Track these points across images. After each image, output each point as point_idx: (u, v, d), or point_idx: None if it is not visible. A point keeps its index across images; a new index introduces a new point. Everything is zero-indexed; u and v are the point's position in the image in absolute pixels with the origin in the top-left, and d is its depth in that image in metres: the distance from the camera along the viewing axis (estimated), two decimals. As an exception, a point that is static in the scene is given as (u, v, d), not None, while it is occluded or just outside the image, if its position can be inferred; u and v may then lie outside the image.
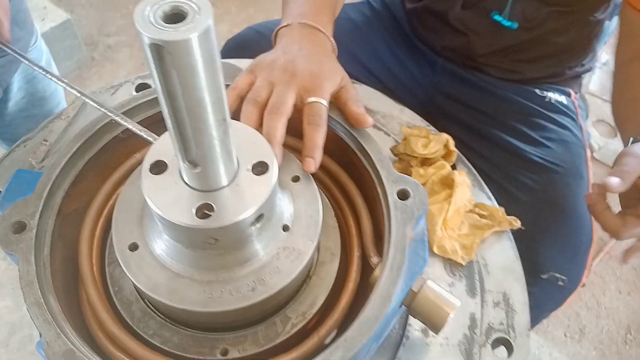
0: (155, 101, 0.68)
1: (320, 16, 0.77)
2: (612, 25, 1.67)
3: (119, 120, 0.61)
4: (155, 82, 0.40)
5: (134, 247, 0.55)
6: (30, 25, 1.07)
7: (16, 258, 0.54)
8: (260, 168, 0.51)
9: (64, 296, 0.56)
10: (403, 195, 0.59)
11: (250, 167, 0.51)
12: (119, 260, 0.54)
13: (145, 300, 0.59)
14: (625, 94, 0.93)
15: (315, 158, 0.61)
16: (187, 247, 0.52)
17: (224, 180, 0.49)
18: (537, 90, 1.09)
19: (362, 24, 1.18)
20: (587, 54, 1.11)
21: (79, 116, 0.82)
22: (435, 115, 1.05)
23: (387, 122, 0.84)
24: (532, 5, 0.99)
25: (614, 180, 0.68)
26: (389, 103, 0.87)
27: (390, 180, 0.60)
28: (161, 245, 0.54)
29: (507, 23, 1.01)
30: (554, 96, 1.09)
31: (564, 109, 1.07)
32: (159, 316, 0.58)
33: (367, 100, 0.87)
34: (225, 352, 0.56)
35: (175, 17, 0.36)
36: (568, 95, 1.11)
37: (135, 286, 0.58)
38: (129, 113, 0.66)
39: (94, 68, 2.36)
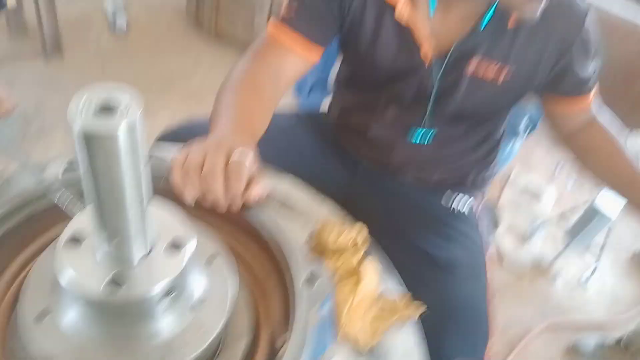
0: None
1: (239, 135, 0.87)
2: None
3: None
4: (81, 167, 0.45)
5: (41, 316, 0.56)
6: None
7: None
8: (175, 247, 0.56)
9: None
10: (310, 279, 0.64)
11: (165, 245, 0.55)
12: (21, 331, 0.55)
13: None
14: (593, 155, 1.18)
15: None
16: (96, 318, 0.54)
17: (136, 256, 0.53)
18: (442, 202, 1.22)
19: (289, 127, 1.29)
20: (492, 161, 1.28)
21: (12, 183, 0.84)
22: (354, 212, 1.14)
23: (307, 215, 0.91)
24: (445, 122, 1.14)
25: None
26: (310, 195, 0.94)
27: (299, 265, 0.65)
28: (68, 313, 0.55)
29: (420, 141, 1.16)
30: (457, 206, 1.22)
31: (466, 218, 1.20)
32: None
33: (291, 189, 0.94)
34: None
35: (107, 109, 0.42)
36: (472, 202, 1.24)
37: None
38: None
39: (27, 147, 2.35)
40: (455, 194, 1.23)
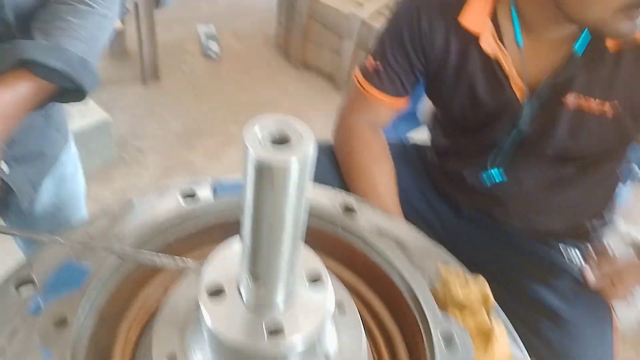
0: (200, 218, 0.69)
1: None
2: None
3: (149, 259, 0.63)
4: (246, 196, 0.41)
5: (172, 358, 0.53)
6: (65, 129, 1.10)
7: (47, 354, 0.52)
8: (317, 281, 0.52)
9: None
10: (448, 340, 0.58)
11: (305, 285, 0.51)
12: (156, 371, 0.52)
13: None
14: None
15: None
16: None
17: (283, 301, 0.49)
18: (560, 247, 1.11)
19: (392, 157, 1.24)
20: (605, 206, 1.15)
21: (124, 216, 0.83)
22: (460, 259, 1.06)
23: (423, 261, 0.85)
24: (549, 165, 1.05)
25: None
26: (425, 241, 0.88)
27: (435, 322, 0.59)
28: (200, 359, 0.52)
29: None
30: (575, 259, 1.11)
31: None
32: None
33: (404, 236, 0.88)
34: None
35: (281, 139, 0.39)
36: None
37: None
38: (176, 225, 0.67)
39: (122, 168, 2.43)
40: (574, 243, 1.12)
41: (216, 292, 0.49)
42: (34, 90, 0.76)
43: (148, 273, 0.66)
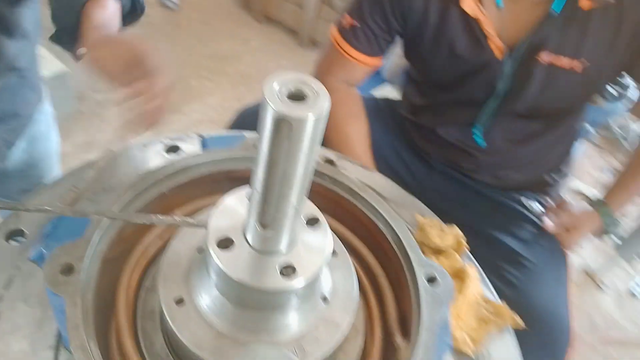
0: (193, 168, 0.71)
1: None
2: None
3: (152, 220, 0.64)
4: (262, 147, 0.44)
5: (180, 301, 0.56)
6: (39, 87, 1.08)
7: (57, 300, 0.54)
8: (316, 225, 0.55)
9: (96, 342, 0.55)
10: (431, 280, 0.63)
11: (306, 225, 0.55)
12: (165, 314, 0.55)
13: (177, 357, 0.59)
14: None
15: None
16: (236, 306, 0.54)
17: (285, 245, 0.52)
18: (523, 200, 1.19)
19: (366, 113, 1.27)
20: (563, 160, 1.24)
21: (111, 168, 0.84)
22: (431, 209, 1.13)
23: (400, 211, 0.90)
24: (520, 119, 1.11)
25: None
26: (401, 193, 0.93)
27: (419, 265, 0.64)
28: (208, 302, 0.56)
29: (481, 143, 1.13)
30: (537, 207, 1.19)
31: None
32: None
33: (381, 187, 0.93)
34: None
35: (298, 96, 0.42)
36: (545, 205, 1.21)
37: (171, 341, 0.58)
38: (171, 176, 0.69)
39: (81, 122, 2.37)
40: (534, 195, 1.20)
41: (225, 242, 0.52)
42: (116, 10, 0.85)
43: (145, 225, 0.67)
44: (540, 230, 1.13)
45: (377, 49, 1.14)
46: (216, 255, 0.51)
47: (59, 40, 0.86)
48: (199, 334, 0.54)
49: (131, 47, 0.73)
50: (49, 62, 2.23)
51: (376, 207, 0.70)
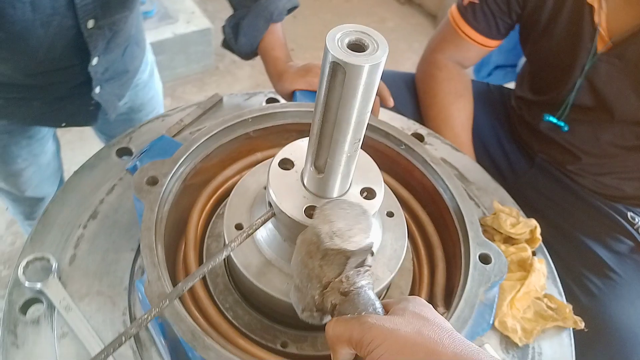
0: (279, 114, 0.76)
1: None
2: None
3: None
4: (320, 93, 0.47)
5: (239, 227, 0.62)
6: (143, 40, 1.18)
7: (140, 206, 0.62)
8: (368, 193, 0.58)
9: (165, 251, 0.63)
10: (485, 259, 0.63)
11: (359, 190, 0.57)
12: (224, 235, 0.61)
13: (230, 277, 0.66)
14: None
15: None
16: (285, 239, 0.59)
17: (336, 191, 0.56)
18: (629, 214, 1.10)
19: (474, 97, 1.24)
20: None
21: (214, 109, 0.93)
22: (521, 204, 1.09)
23: (481, 195, 0.88)
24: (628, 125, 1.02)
25: None
26: (486, 178, 0.92)
27: (476, 242, 0.64)
28: (262, 232, 0.61)
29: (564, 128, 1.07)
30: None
31: None
32: (237, 294, 0.64)
33: (466, 170, 0.92)
34: (284, 345, 0.61)
35: (358, 46, 0.44)
36: None
37: (227, 261, 0.65)
38: (258, 119, 0.75)
39: (215, 77, 2.56)
40: (637, 209, 1.10)
41: (285, 164, 0.57)
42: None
43: (229, 158, 0.74)
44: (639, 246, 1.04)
45: (495, 31, 1.11)
46: (272, 180, 0.56)
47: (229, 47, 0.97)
48: (249, 258, 0.59)
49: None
50: (198, 17, 2.43)
51: (445, 181, 0.71)
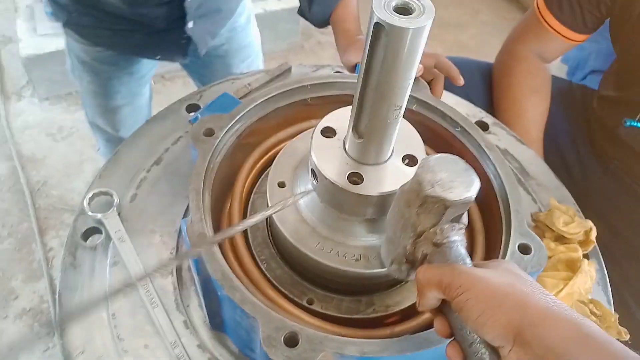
0: (338, 84, 0.77)
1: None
2: None
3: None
4: (363, 56, 0.48)
5: (282, 185, 0.64)
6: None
7: (196, 154, 0.66)
8: (409, 161, 0.58)
9: (212, 200, 0.67)
10: (524, 249, 0.61)
11: (401, 157, 0.58)
12: (267, 192, 0.64)
13: (269, 232, 0.68)
14: None
15: None
16: (323, 202, 0.60)
17: (377, 157, 0.56)
18: None
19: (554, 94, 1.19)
20: None
21: (282, 76, 0.96)
22: (587, 209, 1.04)
23: (540, 191, 0.85)
24: None
25: None
26: (549, 176, 0.88)
27: (518, 232, 0.62)
28: (302, 190, 0.63)
29: None
30: None
31: None
32: (273, 248, 0.67)
33: (528, 163, 0.89)
34: (310, 302, 0.63)
35: (404, 10, 0.45)
36: None
37: (269, 218, 0.67)
38: (316, 87, 0.77)
39: (300, 55, 2.61)
40: None
41: (328, 132, 0.59)
42: None
43: (284, 122, 0.77)
44: None
45: (581, 24, 1.05)
46: (315, 143, 0.58)
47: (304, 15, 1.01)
48: (287, 215, 0.62)
49: None
50: (289, -3, 2.48)
51: (497, 167, 0.69)
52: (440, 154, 0.48)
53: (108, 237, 0.72)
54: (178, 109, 0.90)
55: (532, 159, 0.91)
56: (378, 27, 0.45)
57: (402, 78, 0.48)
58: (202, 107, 0.90)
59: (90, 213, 0.73)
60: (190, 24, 1.06)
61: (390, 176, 0.57)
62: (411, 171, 0.57)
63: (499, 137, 0.93)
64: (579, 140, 1.16)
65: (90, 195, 0.75)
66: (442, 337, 0.46)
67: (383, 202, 0.56)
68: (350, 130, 0.55)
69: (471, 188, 0.45)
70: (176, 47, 1.13)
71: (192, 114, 0.89)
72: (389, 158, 0.58)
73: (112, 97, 1.24)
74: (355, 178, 0.56)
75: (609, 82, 1.12)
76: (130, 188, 0.78)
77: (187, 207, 0.77)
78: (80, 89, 1.27)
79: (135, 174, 0.80)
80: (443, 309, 0.46)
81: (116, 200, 0.75)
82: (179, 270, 0.71)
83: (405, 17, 0.44)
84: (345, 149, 0.58)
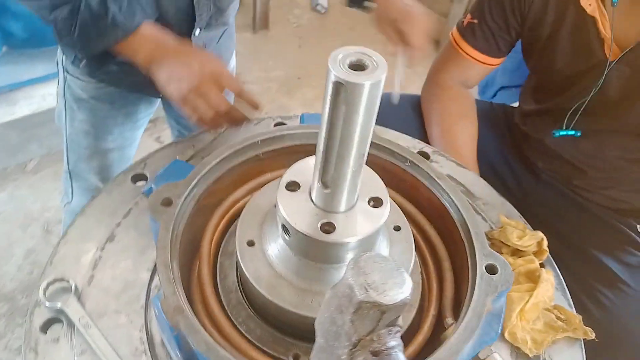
0: (287, 136, 0.79)
1: None
2: None
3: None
4: (324, 112, 0.50)
5: (251, 244, 0.64)
6: (234, 43, 1.29)
7: (156, 226, 0.65)
8: (375, 202, 0.60)
9: (180, 267, 0.66)
10: (491, 269, 0.64)
11: (367, 200, 0.60)
12: (237, 251, 0.63)
13: (243, 292, 0.67)
14: None
15: None
16: (296, 254, 0.61)
17: (344, 205, 0.58)
18: (638, 227, 1.10)
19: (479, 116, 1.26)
20: None
21: (225, 134, 0.96)
22: (530, 219, 1.10)
23: (488, 210, 0.90)
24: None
25: None
26: (492, 193, 0.94)
27: (482, 254, 0.65)
28: (273, 248, 0.63)
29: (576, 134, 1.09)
30: None
31: None
32: (249, 309, 0.66)
33: (471, 185, 0.94)
34: (296, 357, 0.63)
35: (358, 66, 0.47)
36: None
37: (240, 277, 0.67)
38: (267, 142, 0.78)
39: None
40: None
41: (292, 186, 0.60)
42: None
43: (240, 179, 0.77)
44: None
45: (495, 48, 1.14)
46: (281, 198, 0.58)
47: None
48: (261, 272, 0.62)
49: None
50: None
51: (450, 195, 0.73)
52: (368, 254, 0.46)
53: (71, 325, 0.68)
54: (123, 180, 0.87)
55: (473, 180, 0.96)
56: (337, 84, 0.47)
57: (365, 128, 0.50)
58: (147, 175, 0.89)
59: (48, 304, 0.69)
60: (197, 32, 1.07)
61: (361, 220, 0.58)
62: (379, 212, 0.59)
63: (440, 164, 0.98)
64: (509, 156, 1.25)
65: (44, 284, 0.71)
66: None
67: (359, 246, 0.58)
68: (317, 181, 0.56)
69: (404, 288, 0.43)
70: None
71: (140, 183, 0.88)
72: (356, 203, 0.59)
73: (104, 138, 1.21)
74: (327, 227, 0.57)
75: (527, 97, 1.22)
76: (85, 270, 0.75)
77: (150, 280, 0.74)
78: (68, 131, 1.22)
79: (88, 255, 0.77)
80: None
81: (73, 285, 0.71)
82: (151, 347, 0.68)
83: (362, 73, 0.46)
84: (312, 200, 0.59)
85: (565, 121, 1.08)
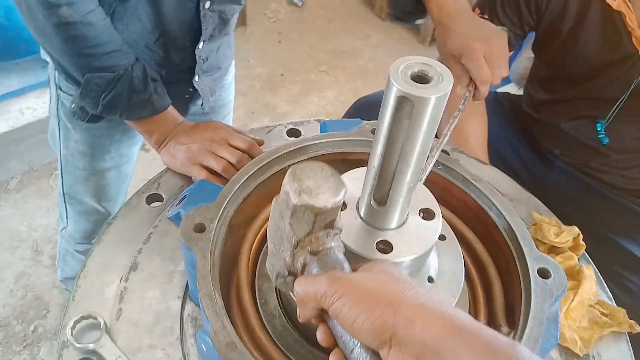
0: (312, 147, 0.75)
1: None
2: None
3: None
4: (382, 127, 0.47)
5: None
6: (233, 44, 1.24)
7: (191, 254, 0.61)
8: (426, 214, 0.57)
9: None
10: (544, 273, 0.62)
11: (417, 212, 0.57)
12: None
13: (287, 317, 0.64)
14: None
15: None
16: (347, 275, 0.57)
17: (396, 221, 0.55)
18: None
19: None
20: None
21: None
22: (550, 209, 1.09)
23: (515, 206, 0.88)
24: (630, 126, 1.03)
25: None
26: (517, 189, 0.92)
27: (532, 257, 0.63)
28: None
29: (604, 140, 1.06)
30: None
31: None
32: (297, 334, 0.63)
33: (496, 182, 0.92)
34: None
35: (422, 78, 0.44)
36: None
37: (285, 301, 0.63)
38: (292, 153, 0.74)
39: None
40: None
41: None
42: None
43: (267, 195, 0.73)
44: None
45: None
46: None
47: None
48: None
49: None
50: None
51: (490, 197, 0.70)
52: (305, 161, 0.49)
53: (105, 367, 0.64)
54: (137, 203, 0.83)
55: (497, 177, 0.94)
56: (401, 99, 0.44)
57: (426, 142, 0.47)
58: (163, 196, 0.84)
59: (78, 345, 0.64)
60: (196, 77, 1.06)
61: (416, 236, 0.55)
62: (432, 225, 0.56)
63: (461, 161, 0.96)
64: (518, 145, 1.23)
65: (70, 324, 0.66)
66: (326, 347, 0.46)
67: (415, 263, 0.55)
68: (369, 199, 0.53)
69: (338, 193, 0.45)
70: (179, 103, 1.07)
71: (155, 204, 0.83)
72: (407, 217, 0.56)
73: (101, 158, 1.15)
74: (383, 246, 0.54)
75: (536, 87, 1.20)
76: (112, 304, 0.70)
77: (181, 308, 0.70)
78: (62, 153, 1.17)
79: (112, 287, 0.72)
80: (324, 317, 0.46)
81: (102, 321, 0.67)
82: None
83: (427, 86, 0.43)
84: (360, 216, 0.56)
85: (611, 111, 1.06)
